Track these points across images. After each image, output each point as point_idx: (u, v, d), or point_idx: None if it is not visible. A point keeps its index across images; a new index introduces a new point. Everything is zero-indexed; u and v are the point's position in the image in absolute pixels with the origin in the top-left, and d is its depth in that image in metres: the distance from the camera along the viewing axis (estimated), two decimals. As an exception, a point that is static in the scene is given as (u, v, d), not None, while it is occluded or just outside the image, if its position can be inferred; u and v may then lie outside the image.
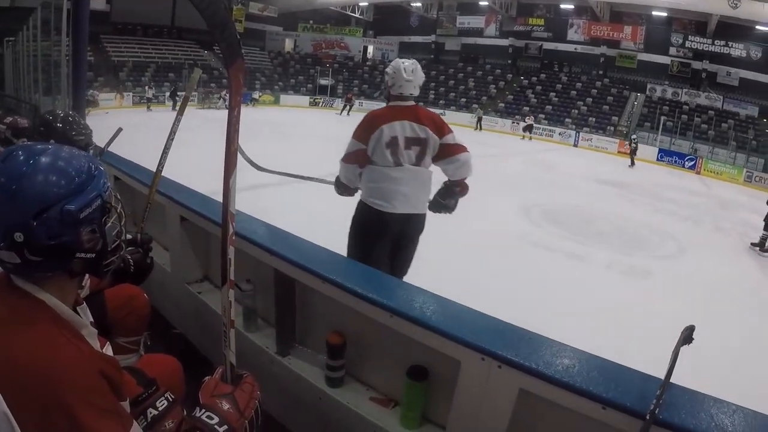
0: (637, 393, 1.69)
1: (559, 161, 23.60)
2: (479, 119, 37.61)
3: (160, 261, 3.85)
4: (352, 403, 2.57)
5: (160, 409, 1.63)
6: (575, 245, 9.47)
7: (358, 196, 4.15)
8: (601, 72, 40.85)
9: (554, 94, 40.51)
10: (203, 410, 1.53)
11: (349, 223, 4.19)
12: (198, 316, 3.74)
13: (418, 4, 46.64)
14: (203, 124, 18.55)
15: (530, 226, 10.53)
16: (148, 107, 30.52)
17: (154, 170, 3.32)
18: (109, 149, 4.49)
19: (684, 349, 1.72)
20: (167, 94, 32.87)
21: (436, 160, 4.03)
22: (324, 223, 5.92)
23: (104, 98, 28.59)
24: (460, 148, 4.02)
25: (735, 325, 6.70)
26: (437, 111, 37.13)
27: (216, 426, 1.48)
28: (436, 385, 2.34)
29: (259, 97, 39.97)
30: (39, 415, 1.13)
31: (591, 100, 38.81)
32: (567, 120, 37.08)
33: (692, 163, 29.45)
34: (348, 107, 38.01)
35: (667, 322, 3.05)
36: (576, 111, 37.99)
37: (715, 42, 35.76)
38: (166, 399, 1.66)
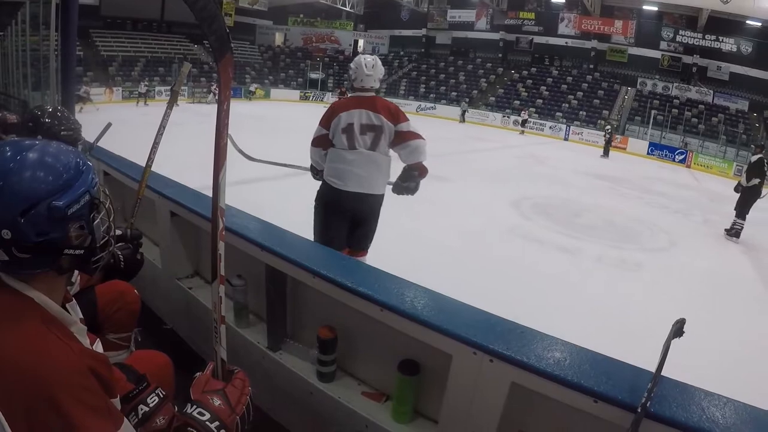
0: (628, 386, 1.70)
1: (549, 155, 23.63)
2: (464, 112, 38.35)
3: (150, 257, 3.85)
4: (343, 398, 2.57)
5: (151, 405, 1.62)
6: (566, 238, 9.48)
7: None
8: (591, 66, 40.97)
9: (545, 87, 40.59)
10: (194, 406, 1.52)
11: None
12: (189, 312, 3.73)
13: (409, -1, 46.69)
14: (193, 119, 18.50)
15: (521, 220, 10.53)
16: (145, 102, 30.26)
17: (144, 165, 3.31)
18: (98, 144, 4.47)
19: (675, 342, 1.73)
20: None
21: (392, 145, 4.43)
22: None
23: (94, 93, 28.41)
24: (413, 135, 4.42)
25: (725, 317, 6.73)
26: (428, 105, 37.57)
27: (207, 422, 1.48)
28: (427, 379, 2.34)
29: (255, 89, 40.04)
30: (28, 413, 1.13)
31: (581, 94, 38.89)
32: (558, 114, 37.16)
33: (682, 156, 29.55)
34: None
35: (657, 315, 3.07)
36: (567, 105, 38.07)
37: (706, 36, 35.89)
38: (157, 395, 1.66)
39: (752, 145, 12.90)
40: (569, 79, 40.75)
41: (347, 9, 47.85)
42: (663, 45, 38.05)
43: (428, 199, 11.16)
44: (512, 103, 39.70)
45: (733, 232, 11.69)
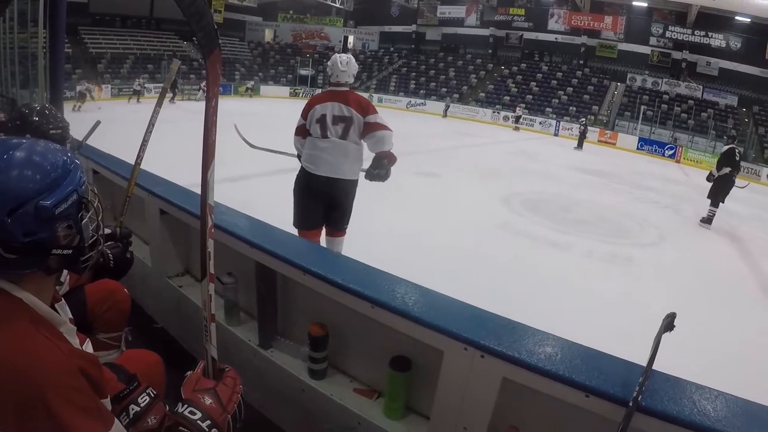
0: (619, 380, 1.70)
1: (539, 150, 23.66)
2: (447, 107, 38.55)
3: (140, 255, 3.84)
4: (335, 395, 2.57)
5: (142, 405, 1.61)
6: (556, 234, 9.49)
7: None
8: (581, 61, 41.12)
9: (535, 83, 40.68)
10: (186, 405, 1.51)
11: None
12: (179, 311, 3.72)
13: (399, -5, 46.74)
14: (182, 116, 18.45)
15: (511, 215, 10.52)
16: (137, 99, 30.04)
17: (133, 163, 3.29)
18: (87, 143, 4.45)
19: (666, 336, 1.73)
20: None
21: (361, 135, 4.87)
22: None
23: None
24: (379, 126, 4.83)
25: (715, 312, 6.75)
26: (418, 101, 37.60)
27: (199, 421, 1.47)
28: (419, 376, 2.34)
29: (253, 86, 40.39)
30: (18, 415, 1.12)
31: (571, 89, 39.02)
32: (548, 109, 37.22)
33: (672, 151, 29.67)
34: None
35: (648, 310, 3.08)
36: (557, 100, 38.18)
37: (695, 32, 36.11)
38: (148, 395, 1.65)
39: (725, 137, 13.20)
40: (559, 74, 40.86)
41: (337, 5, 47.89)
42: (652, 41, 38.24)
43: (418, 195, 11.24)
44: (502, 98, 39.76)
45: (706, 219, 12.13)
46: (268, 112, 25.35)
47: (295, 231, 4.83)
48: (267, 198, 8.28)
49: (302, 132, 5.01)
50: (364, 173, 5.06)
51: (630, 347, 2.30)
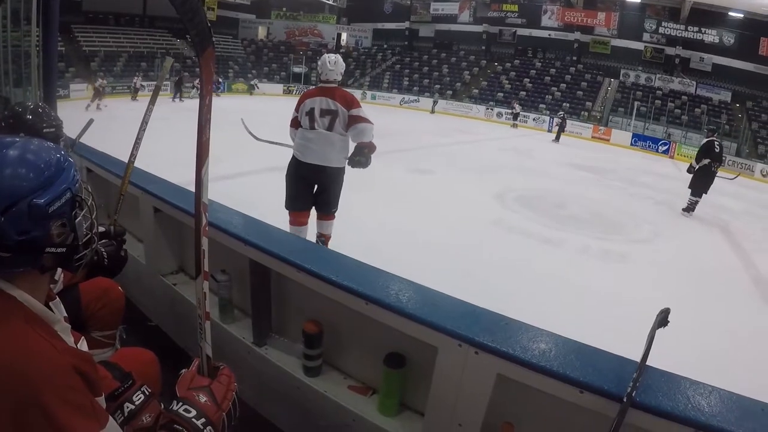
0: (614, 376, 1.70)
1: (533, 147, 23.66)
2: (435, 103, 38.85)
3: (134, 253, 3.84)
4: (330, 392, 2.58)
5: (136, 403, 1.62)
6: (550, 230, 9.48)
7: None
8: (575, 58, 41.15)
9: (528, 80, 40.72)
10: (180, 403, 1.51)
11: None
12: (173, 308, 3.72)
13: (392, -9, 46.73)
14: (176, 114, 18.41)
15: (505, 212, 10.51)
16: (134, 97, 29.81)
17: (127, 161, 3.29)
18: (80, 140, 4.44)
19: (660, 331, 1.74)
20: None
21: (346, 128, 5.49)
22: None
23: (75, 89, 28.16)
24: (361, 119, 5.47)
25: (710, 307, 6.76)
26: (412, 98, 37.65)
27: (193, 419, 1.47)
28: (413, 372, 2.35)
29: (257, 84, 40.81)
30: (13, 413, 1.12)
31: (565, 85, 39.05)
32: (541, 106, 37.22)
33: (666, 147, 29.72)
34: None
35: (642, 306, 3.08)
36: (550, 97, 38.20)
37: (689, 28, 36.17)
38: (143, 393, 1.65)
39: (705, 130, 13.55)
40: (552, 71, 40.89)
41: (330, 2, 47.84)
42: (646, 36, 38.31)
43: (412, 192, 11.24)
44: (496, 95, 39.77)
45: (687, 208, 12.63)
46: (264, 109, 25.26)
47: (286, 226, 4.93)
48: (261, 195, 8.30)
49: (295, 124, 5.69)
50: (348, 161, 5.66)
51: (624, 343, 2.30)
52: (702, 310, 6.46)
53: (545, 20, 41.96)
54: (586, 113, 35.92)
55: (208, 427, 1.48)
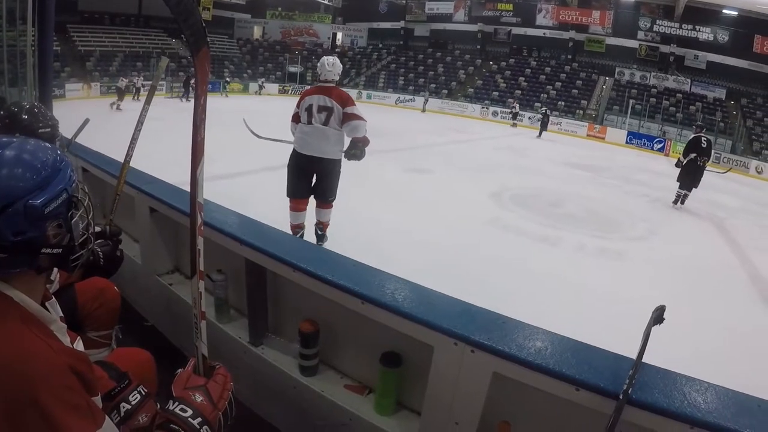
0: (609, 374, 1.71)
1: (528, 145, 23.68)
2: (426, 101, 38.74)
3: (129, 253, 3.83)
4: (326, 391, 2.58)
5: (133, 403, 1.62)
6: (546, 228, 9.48)
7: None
8: (569, 56, 41.24)
9: (523, 78, 40.80)
10: (176, 403, 1.51)
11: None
12: (169, 308, 3.72)
13: (387, -9, 46.76)
14: (171, 114, 18.38)
15: (501, 211, 10.50)
16: (138, 97, 29.56)
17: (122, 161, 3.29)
18: (76, 140, 4.43)
19: (655, 328, 1.74)
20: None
21: (341, 124, 6.03)
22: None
23: (71, 89, 28.11)
24: (355, 117, 6.02)
25: (706, 303, 6.77)
26: (407, 97, 37.71)
27: (190, 418, 1.47)
28: (410, 371, 2.35)
29: (263, 83, 41.24)
30: (8, 413, 1.11)
31: (560, 84, 39.15)
32: (536, 104, 37.20)
33: (661, 145, 29.80)
34: None
35: (638, 303, 3.08)
36: (545, 95, 38.26)
37: (683, 26, 36.29)
38: (139, 392, 1.66)
39: (693, 126, 14.41)
40: (547, 69, 40.99)
41: (325, 2, 47.85)
42: (640, 35, 38.42)
43: (408, 191, 11.24)
44: (491, 94, 39.80)
45: (675, 200, 13.26)
46: (264, 109, 25.21)
47: (284, 227, 4.94)
48: (257, 195, 8.30)
49: (296, 119, 6.23)
50: (344, 154, 6.20)
51: (620, 340, 2.31)
52: (698, 307, 6.47)
53: (540, 19, 42.04)
54: (581, 112, 36.00)
55: (205, 427, 1.48)
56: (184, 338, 3.44)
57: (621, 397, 1.55)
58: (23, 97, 7.67)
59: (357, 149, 6.15)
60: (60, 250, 1.33)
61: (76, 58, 34.15)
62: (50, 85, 6.72)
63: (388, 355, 2.36)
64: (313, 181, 6.30)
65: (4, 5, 8.75)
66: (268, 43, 49.28)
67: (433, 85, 42.36)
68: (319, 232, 6.65)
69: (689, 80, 35.71)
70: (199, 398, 1.54)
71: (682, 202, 13.16)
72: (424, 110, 38.00)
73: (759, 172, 24.94)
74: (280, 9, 49.74)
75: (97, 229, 2.67)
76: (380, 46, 49.69)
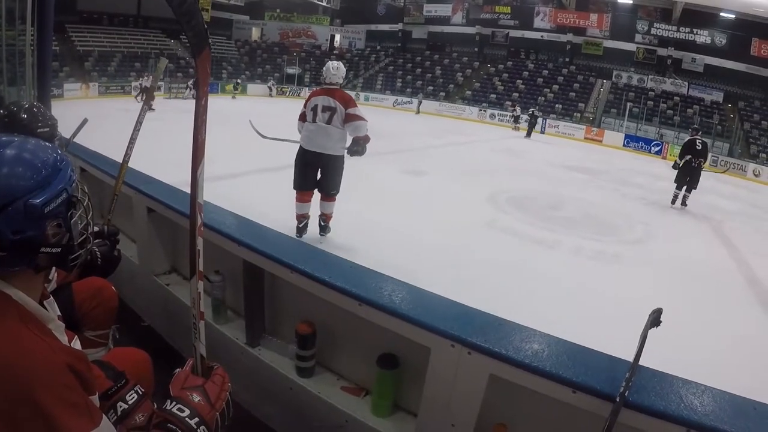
0: (606, 376, 1.71)
1: (526, 148, 23.69)
2: (419, 103, 38.94)
3: (127, 253, 3.83)
4: (323, 393, 2.58)
5: (130, 402, 1.62)
6: (543, 231, 9.48)
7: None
8: (567, 59, 41.25)
9: (521, 81, 40.78)
10: (174, 403, 1.51)
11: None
12: (166, 308, 3.72)
13: (386, -7, 46.80)
14: (170, 115, 18.37)
15: (498, 213, 10.48)
16: (142, 97, 29.30)
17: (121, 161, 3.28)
18: (74, 140, 4.43)
19: (652, 331, 1.74)
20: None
21: (344, 123, 6.56)
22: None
23: (69, 89, 28.08)
24: (356, 117, 6.58)
25: (703, 306, 6.77)
26: (404, 99, 37.80)
27: (187, 418, 1.47)
28: (406, 373, 2.35)
29: (274, 84, 41.79)
30: (6, 411, 1.12)
31: (557, 87, 39.13)
32: (534, 107, 37.19)
33: (658, 148, 29.81)
34: None
35: (635, 306, 3.09)
36: (543, 98, 38.23)
37: (680, 29, 36.30)
38: (136, 392, 1.66)
39: (689, 129, 14.87)
40: (545, 72, 40.97)
41: (323, 4, 47.78)
42: (638, 38, 38.45)
43: (406, 193, 11.24)
44: (489, 97, 39.81)
45: (673, 200, 13.65)
46: (267, 111, 25.19)
47: (281, 228, 4.96)
48: (254, 196, 8.30)
49: (303, 118, 6.78)
50: (347, 151, 6.75)
51: (617, 343, 2.31)
52: (695, 310, 6.47)
53: (538, 22, 42.03)
54: (579, 114, 36.00)
55: (202, 427, 1.48)
56: (180, 338, 3.45)
57: (618, 400, 1.55)
58: (22, 96, 7.67)
59: (359, 146, 6.71)
60: (59, 250, 1.34)
61: (74, 58, 34.11)
62: (49, 84, 6.73)
63: (385, 357, 2.36)
64: (318, 175, 6.81)
65: (4, 5, 8.74)
66: (267, 44, 49.26)
67: (430, 88, 42.34)
68: (322, 223, 7.17)
69: (687, 83, 35.72)
70: (196, 398, 1.54)
71: (683, 204, 13.48)
72: (418, 112, 38.08)
73: (756, 175, 24.96)
74: (278, 10, 49.75)
75: (95, 228, 2.67)
76: (378, 48, 49.68)
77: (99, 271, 2.67)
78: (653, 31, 37.62)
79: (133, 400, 1.63)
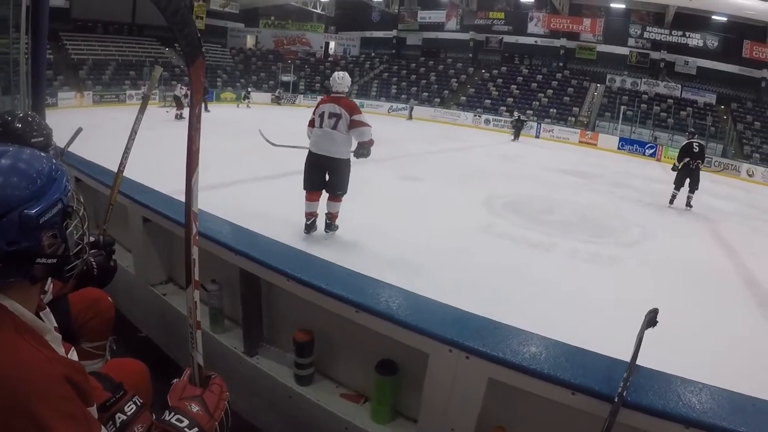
0: (604, 377, 1.72)
1: (521, 153, 23.70)
2: (411, 109, 39.11)
3: (123, 263, 3.81)
4: (322, 401, 2.57)
5: (128, 413, 1.61)
6: (539, 235, 9.48)
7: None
8: (561, 64, 41.33)
9: (515, 86, 40.79)
10: (172, 413, 1.51)
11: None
12: (163, 319, 3.71)
13: (380, 0, 46.76)
14: (165, 123, 18.33)
15: (493, 218, 10.47)
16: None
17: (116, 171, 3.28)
18: (69, 149, 4.42)
19: (649, 332, 1.75)
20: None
21: (349, 129, 7.11)
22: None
23: (63, 97, 28.06)
24: (361, 123, 7.15)
25: (699, 306, 6.77)
26: (399, 105, 37.85)
27: (186, 428, 1.47)
28: (405, 379, 2.35)
29: (282, 93, 41.81)
30: (3, 423, 1.11)
31: (552, 91, 39.18)
32: (528, 112, 37.20)
33: (653, 150, 29.86)
34: None
35: (632, 307, 3.08)
36: (537, 103, 38.29)
37: (673, 32, 36.44)
38: (134, 403, 1.65)
39: (686, 132, 15.73)
40: (539, 77, 41.03)
41: (318, 11, 47.81)
42: (631, 42, 38.58)
43: (401, 198, 11.24)
44: (483, 102, 39.86)
45: (672, 200, 14.03)
46: (270, 118, 25.20)
47: (278, 236, 4.96)
48: (252, 205, 8.30)
49: (312, 124, 7.34)
50: (353, 153, 7.33)
51: (614, 344, 2.31)
52: (692, 310, 6.48)
53: (531, 27, 42.10)
54: (573, 118, 36.07)
55: (201, 436, 1.48)
56: (178, 349, 3.44)
57: (616, 400, 1.56)
58: (16, 105, 7.65)
59: (364, 149, 7.35)
60: (55, 260, 1.33)
61: (68, 67, 33.98)
62: (43, 93, 6.70)
63: (384, 363, 2.36)
64: (326, 177, 7.36)
65: (-2, 13, 8.72)
66: (261, 52, 49.24)
67: (425, 94, 42.35)
68: (328, 221, 7.74)
69: (680, 86, 35.84)
70: (195, 408, 1.53)
71: (688, 205, 13.81)
72: (410, 117, 38.13)
73: (750, 175, 25.10)
74: (273, 18, 49.76)
75: (91, 238, 2.67)
76: (373, 54, 49.70)
77: (95, 281, 2.66)
78: (646, 34, 37.75)
79: (132, 411, 1.62)
